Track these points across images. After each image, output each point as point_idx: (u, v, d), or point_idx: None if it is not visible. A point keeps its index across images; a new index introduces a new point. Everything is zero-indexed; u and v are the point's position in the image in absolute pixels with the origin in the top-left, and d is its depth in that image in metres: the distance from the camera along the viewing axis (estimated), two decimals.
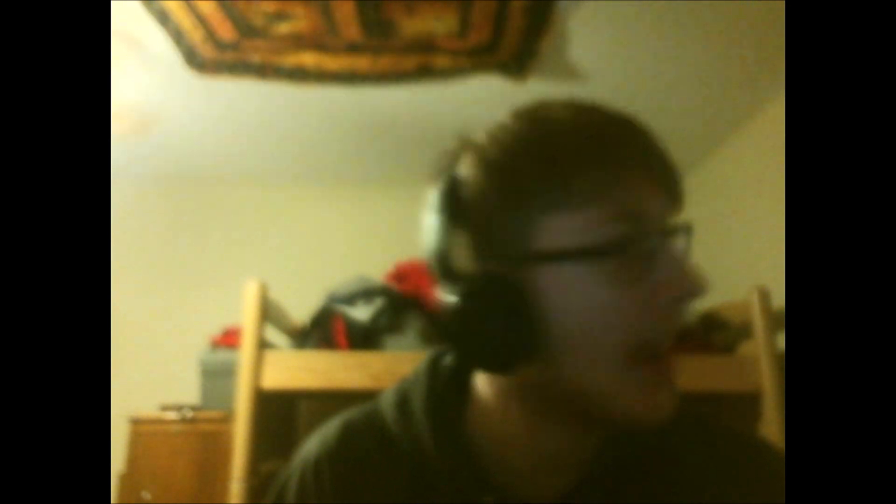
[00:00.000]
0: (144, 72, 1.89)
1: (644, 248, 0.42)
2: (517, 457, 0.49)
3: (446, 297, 0.45)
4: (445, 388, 0.53)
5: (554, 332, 0.43)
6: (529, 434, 0.48)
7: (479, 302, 0.43)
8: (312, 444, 0.56)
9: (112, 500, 1.77)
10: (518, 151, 0.45)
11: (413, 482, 0.50)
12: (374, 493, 0.51)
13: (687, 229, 0.45)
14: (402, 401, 0.54)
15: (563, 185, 0.43)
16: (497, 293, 0.43)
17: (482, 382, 0.51)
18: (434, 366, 0.55)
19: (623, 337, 0.42)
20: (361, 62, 1.83)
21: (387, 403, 0.55)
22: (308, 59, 1.82)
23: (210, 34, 1.71)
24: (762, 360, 1.60)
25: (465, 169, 0.47)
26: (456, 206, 0.46)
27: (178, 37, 1.72)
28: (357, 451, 0.53)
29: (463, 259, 0.46)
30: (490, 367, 0.45)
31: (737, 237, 2.26)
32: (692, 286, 0.42)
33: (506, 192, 0.44)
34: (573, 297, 0.42)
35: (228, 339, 2.01)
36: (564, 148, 0.44)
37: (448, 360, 0.56)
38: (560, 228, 0.43)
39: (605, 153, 0.43)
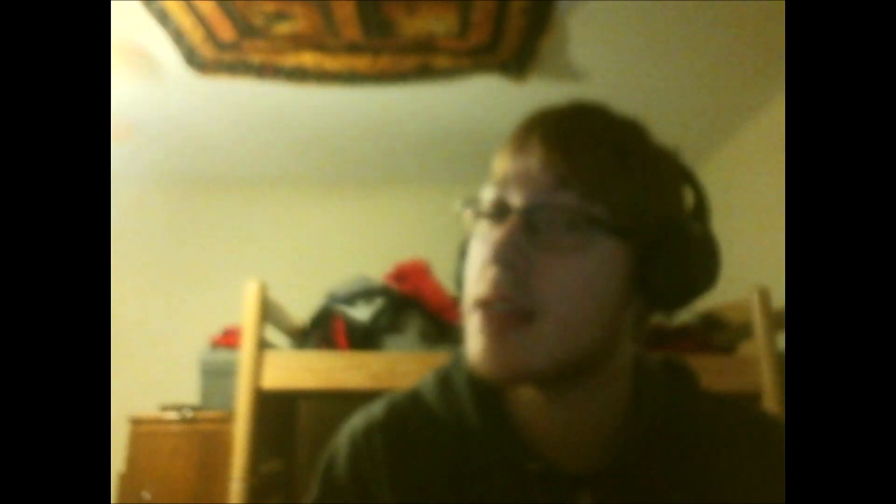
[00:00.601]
0: (144, 72, 1.89)
1: (493, 208, 0.50)
2: (552, 430, 0.53)
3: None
4: None
5: None
6: (548, 407, 0.52)
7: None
8: (359, 419, 0.58)
9: (112, 500, 1.77)
10: None
11: (459, 453, 0.53)
12: (424, 461, 0.54)
13: (530, 209, 0.48)
14: (444, 382, 0.57)
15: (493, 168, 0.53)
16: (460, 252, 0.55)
17: None
18: None
19: (468, 287, 0.50)
20: (361, 62, 1.83)
21: (428, 385, 0.58)
22: (308, 59, 1.82)
23: (210, 34, 1.71)
24: (762, 360, 1.60)
25: None
26: None
27: (178, 37, 1.72)
28: (404, 424, 0.56)
29: None
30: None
31: (737, 237, 2.26)
32: (491, 253, 0.47)
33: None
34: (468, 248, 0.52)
35: (228, 339, 2.01)
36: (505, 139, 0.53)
37: None
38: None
39: (507, 141, 0.52)
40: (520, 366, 0.47)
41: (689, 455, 0.52)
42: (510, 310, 0.47)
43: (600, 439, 0.52)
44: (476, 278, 0.48)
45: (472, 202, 0.51)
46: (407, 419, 0.56)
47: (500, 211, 0.49)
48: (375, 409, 0.58)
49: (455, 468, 0.53)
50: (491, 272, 0.47)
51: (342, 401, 1.74)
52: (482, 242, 0.49)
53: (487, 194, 0.50)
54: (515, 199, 0.48)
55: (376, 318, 1.75)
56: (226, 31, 1.70)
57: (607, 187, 0.47)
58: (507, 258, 0.46)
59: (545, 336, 0.47)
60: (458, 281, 0.54)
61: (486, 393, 0.54)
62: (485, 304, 0.47)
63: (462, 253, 0.54)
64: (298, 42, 1.75)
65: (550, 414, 0.52)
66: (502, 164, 0.50)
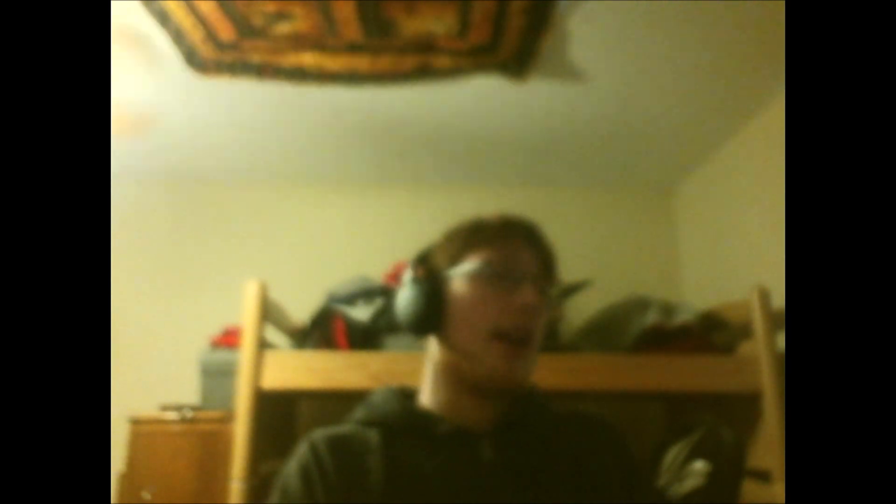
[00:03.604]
0: (144, 72, 1.89)
1: (503, 275, 0.76)
2: (452, 418, 0.76)
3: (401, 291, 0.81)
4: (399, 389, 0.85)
5: (451, 314, 0.77)
6: (452, 403, 0.78)
7: (413, 292, 0.79)
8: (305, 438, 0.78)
9: (112, 500, 1.77)
10: (454, 230, 0.83)
11: (387, 442, 0.74)
12: (360, 459, 0.73)
13: (538, 276, 0.78)
14: (368, 400, 0.83)
15: (467, 244, 0.80)
16: (422, 289, 0.78)
17: (424, 376, 0.82)
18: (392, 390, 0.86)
19: (486, 322, 0.74)
20: (361, 62, 1.83)
21: (355, 418, 0.81)
22: (308, 59, 1.82)
23: (210, 34, 1.71)
24: (762, 360, 1.60)
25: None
26: (423, 256, 0.84)
27: (178, 37, 1.72)
28: (341, 437, 0.76)
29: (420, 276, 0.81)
30: (413, 331, 0.80)
31: (737, 237, 2.26)
32: (525, 305, 0.74)
33: (445, 244, 0.82)
34: (465, 295, 0.76)
35: (228, 339, 2.01)
36: (469, 229, 0.82)
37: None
38: (464, 263, 0.78)
39: (488, 233, 0.80)
40: (524, 376, 0.75)
41: (547, 423, 0.80)
42: (523, 337, 0.74)
43: (485, 419, 0.76)
44: (497, 315, 0.74)
45: (488, 266, 0.77)
46: (342, 434, 0.76)
47: (517, 276, 0.76)
48: (315, 433, 0.77)
49: (385, 451, 0.72)
50: (522, 313, 0.73)
51: (342, 401, 1.73)
52: (494, 290, 0.75)
53: (497, 265, 0.76)
54: (527, 271, 0.77)
55: (376, 318, 1.75)
56: (226, 31, 1.70)
57: (554, 271, 0.81)
58: (537, 306, 0.74)
59: (532, 356, 0.76)
60: (431, 316, 0.77)
61: (402, 394, 0.82)
62: (508, 335, 0.73)
63: (434, 296, 0.77)
64: (298, 42, 1.75)
65: (456, 406, 0.78)
66: (505, 251, 0.77)
